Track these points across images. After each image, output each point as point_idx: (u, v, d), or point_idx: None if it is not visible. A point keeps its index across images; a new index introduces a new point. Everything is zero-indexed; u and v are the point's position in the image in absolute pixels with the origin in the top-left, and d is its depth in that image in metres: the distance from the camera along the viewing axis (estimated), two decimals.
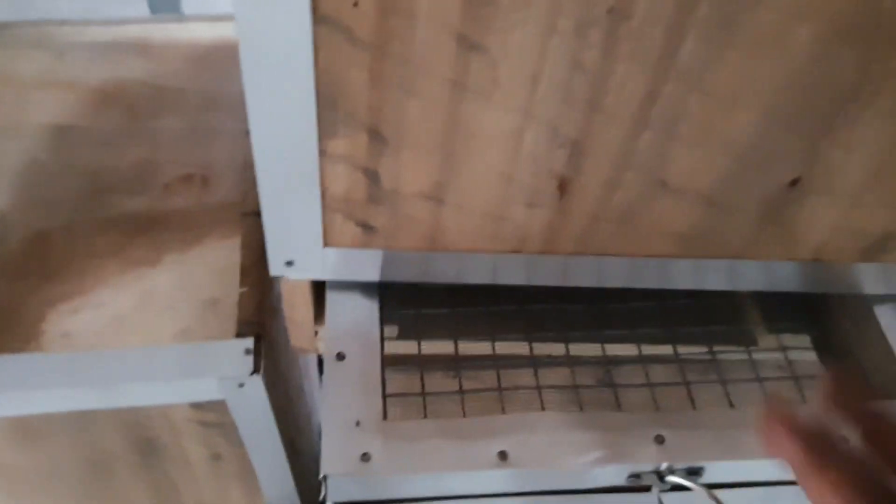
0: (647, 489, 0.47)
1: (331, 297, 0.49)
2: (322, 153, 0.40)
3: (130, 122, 0.71)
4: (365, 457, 0.43)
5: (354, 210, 0.43)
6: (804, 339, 0.59)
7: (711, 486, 0.46)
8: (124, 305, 0.60)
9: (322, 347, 0.51)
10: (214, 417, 0.63)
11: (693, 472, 0.46)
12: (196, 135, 0.70)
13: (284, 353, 0.62)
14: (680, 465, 0.46)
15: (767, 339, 0.59)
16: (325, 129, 0.38)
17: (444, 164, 0.40)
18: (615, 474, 0.46)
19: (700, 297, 0.60)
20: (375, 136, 0.39)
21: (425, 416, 0.49)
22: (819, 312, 0.60)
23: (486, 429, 0.45)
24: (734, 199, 0.44)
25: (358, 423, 0.44)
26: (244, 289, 0.61)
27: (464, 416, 0.49)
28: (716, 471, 0.46)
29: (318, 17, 0.34)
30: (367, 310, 0.50)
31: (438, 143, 0.39)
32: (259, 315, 0.60)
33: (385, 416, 0.49)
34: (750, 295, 0.61)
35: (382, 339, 0.52)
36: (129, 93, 0.73)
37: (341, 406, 0.44)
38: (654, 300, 0.59)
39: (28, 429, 0.61)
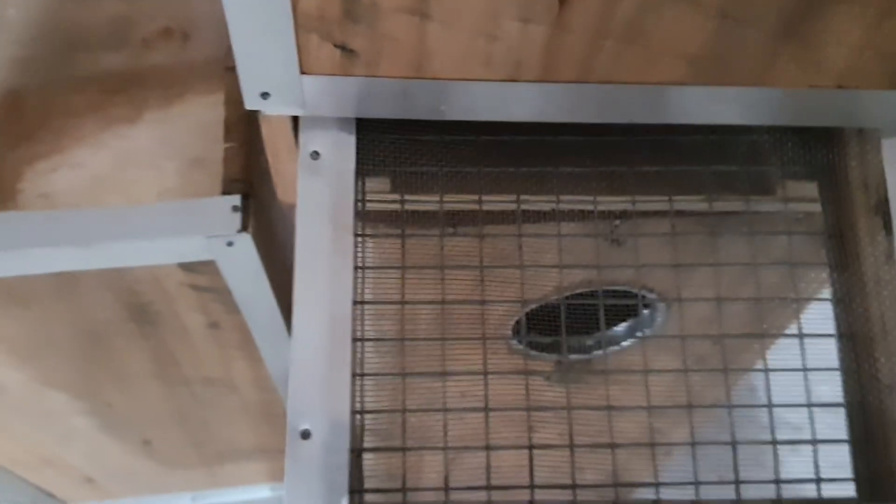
0: None
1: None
2: None
3: None
4: None
5: (331, 29, 0.39)
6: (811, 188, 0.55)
7: None
8: (104, 165, 0.57)
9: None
10: (206, 281, 0.61)
11: None
12: None
13: (281, 219, 0.59)
14: None
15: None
16: None
17: None
18: None
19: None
20: None
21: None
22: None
23: None
24: (751, 9, 0.39)
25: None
26: (229, 145, 0.58)
27: None
28: None
29: None
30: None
31: None
32: (246, 173, 0.57)
33: None
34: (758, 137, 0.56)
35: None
36: None
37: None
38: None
39: (14, 294, 0.59)
